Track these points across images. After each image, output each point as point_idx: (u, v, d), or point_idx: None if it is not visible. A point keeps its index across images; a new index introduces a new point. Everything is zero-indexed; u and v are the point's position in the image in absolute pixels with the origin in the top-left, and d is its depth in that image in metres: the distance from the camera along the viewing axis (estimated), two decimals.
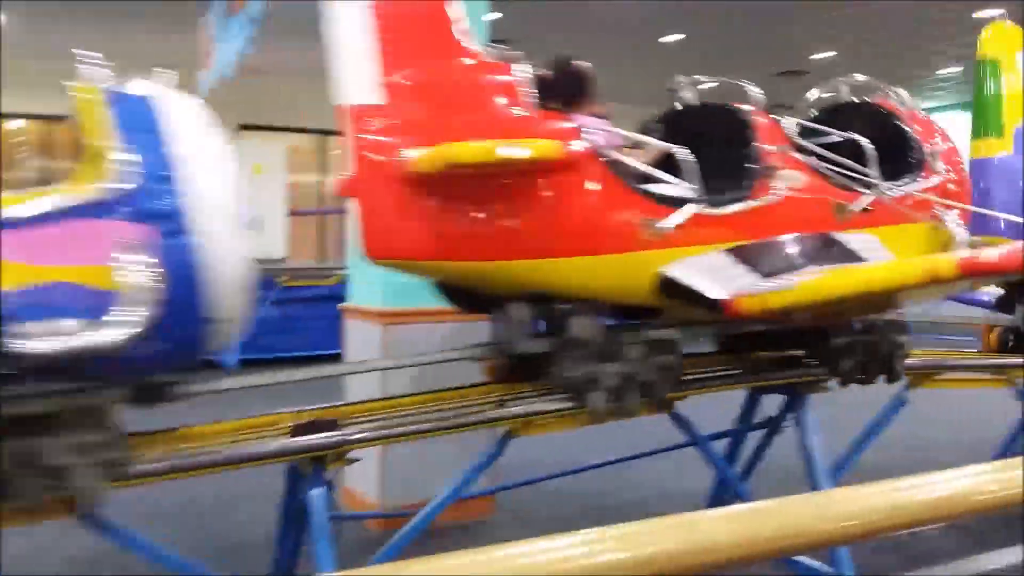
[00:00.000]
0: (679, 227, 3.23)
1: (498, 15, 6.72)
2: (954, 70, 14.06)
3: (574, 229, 3.13)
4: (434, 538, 3.28)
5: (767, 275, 3.30)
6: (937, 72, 14.25)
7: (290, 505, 3.29)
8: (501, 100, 3.11)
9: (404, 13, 3.08)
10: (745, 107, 3.74)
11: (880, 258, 3.57)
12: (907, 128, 4.06)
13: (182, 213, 2.47)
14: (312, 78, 15.02)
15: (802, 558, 3.72)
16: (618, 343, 3.28)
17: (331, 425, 3.10)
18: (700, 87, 3.97)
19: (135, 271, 2.36)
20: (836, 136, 3.88)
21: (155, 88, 2.66)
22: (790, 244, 3.47)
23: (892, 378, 3.88)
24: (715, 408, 4.25)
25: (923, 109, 14.95)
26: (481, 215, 3.08)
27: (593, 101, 3.63)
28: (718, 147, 3.47)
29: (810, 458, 3.77)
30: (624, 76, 14.07)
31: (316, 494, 2.96)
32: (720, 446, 4.31)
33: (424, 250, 3.06)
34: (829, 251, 3.52)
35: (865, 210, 3.68)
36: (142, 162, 2.48)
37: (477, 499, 4.51)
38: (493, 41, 5.16)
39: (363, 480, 4.73)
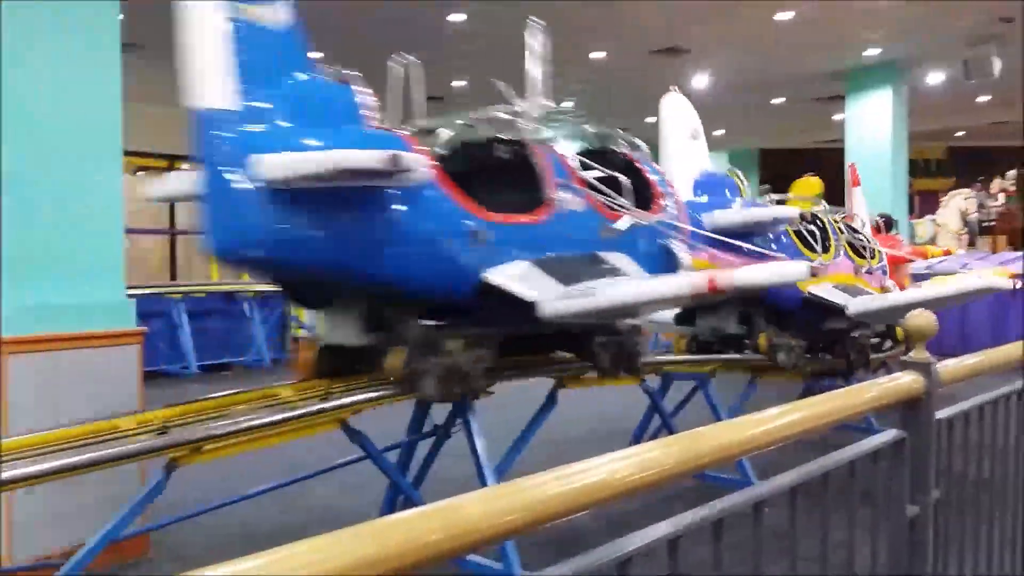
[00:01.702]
0: None
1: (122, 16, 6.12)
2: (568, 103, 15.64)
3: None
4: None
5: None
6: (560, 105, 15.75)
7: None
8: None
9: None
10: None
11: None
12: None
13: None
14: None
15: (473, 557, 3.88)
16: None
17: None
18: None
19: None
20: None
21: None
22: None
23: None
24: (384, 420, 4.29)
25: (546, 138, 16.44)
26: None
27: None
28: None
29: (478, 460, 3.94)
30: None
31: None
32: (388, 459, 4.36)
33: None
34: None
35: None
36: None
37: (128, 540, 4.10)
38: (124, 45, 4.79)
39: None
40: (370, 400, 3.70)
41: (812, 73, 13.61)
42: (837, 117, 15.86)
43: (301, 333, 13.33)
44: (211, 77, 3.22)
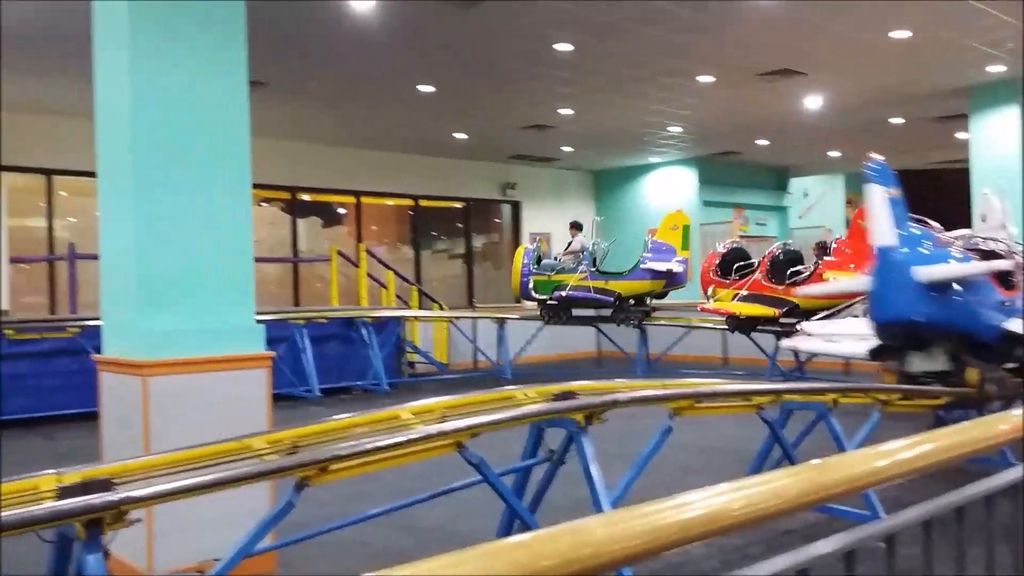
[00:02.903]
0: None
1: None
2: (676, 129, 15.54)
3: None
4: None
5: None
6: (667, 130, 15.69)
7: None
8: None
9: None
10: None
11: None
12: None
13: None
14: (36, 113, 13.78)
15: None
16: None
17: (105, 485, 2.84)
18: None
19: None
20: None
21: None
22: None
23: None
24: (500, 445, 4.35)
25: (653, 163, 17.01)
26: None
27: None
28: None
29: (592, 486, 3.96)
30: (387, 122, 14.24)
31: (93, 560, 2.69)
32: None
33: None
34: None
35: None
36: None
37: (256, 556, 4.28)
38: (251, 83, 5.07)
39: (126, 546, 4.34)
40: (487, 424, 3.76)
41: (931, 92, 13.12)
42: (960, 136, 15.22)
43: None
44: (883, 227, 5.74)
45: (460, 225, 19.03)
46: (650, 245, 12.82)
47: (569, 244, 13.84)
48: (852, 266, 10.38)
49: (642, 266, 12.74)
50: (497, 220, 19.91)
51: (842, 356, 8.23)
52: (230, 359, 4.60)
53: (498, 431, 3.88)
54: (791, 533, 4.87)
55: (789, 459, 5.17)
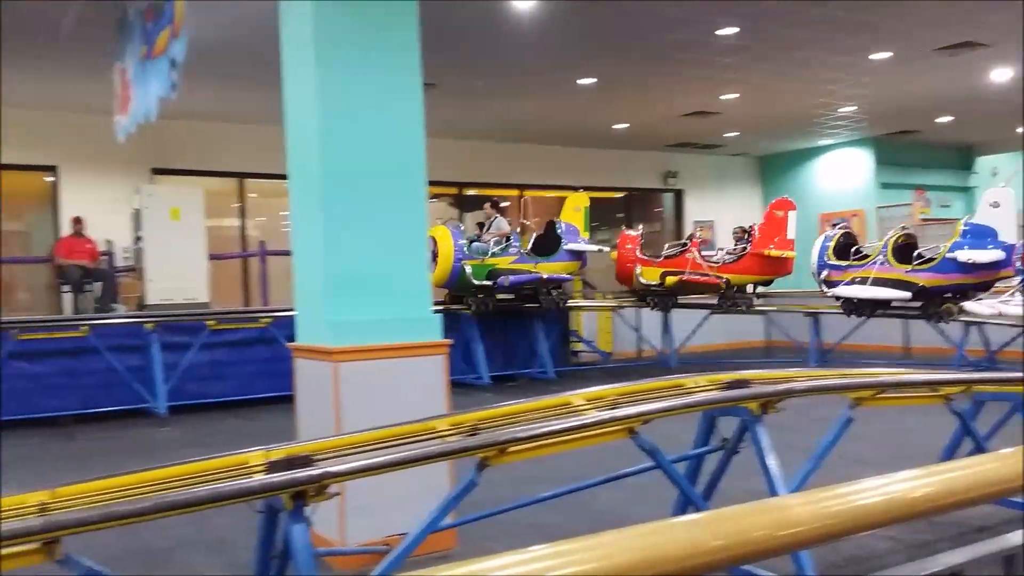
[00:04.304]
0: None
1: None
2: (849, 109, 14.85)
3: None
4: (405, 572, 3.27)
5: None
6: (839, 111, 15.04)
7: (266, 546, 3.24)
8: None
9: None
10: None
11: None
12: None
13: None
14: (229, 121, 14.81)
15: (755, 568, 3.81)
16: None
17: (307, 460, 3.09)
18: None
19: None
20: None
21: None
22: None
23: None
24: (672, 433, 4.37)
25: (824, 146, 16.99)
26: None
27: None
28: None
29: (769, 476, 3.91)
30: (548, 116, 14.42)
31: (298, 530, 2.94)
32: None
33: None
34: None
35: None
36: None
37: (438, 533, 4.50)
38: (425, 84, 5.29)
39: (322, 520, 4.67)
40: (659, 411, 3.79)
41: None
42: None
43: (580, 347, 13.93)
44: None
45: (621, 215, 18.97)
46: (563, 228, 12.70)
47: (488, 225, 12.97)
48: (774, 243, 12.64)
49: (565, 247, 12.58)
50: (658, 209, 19.69)
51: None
52: (411, 346, 4.87)
53: (664, 420, 3.90)
54: (984, 530, 4.63)
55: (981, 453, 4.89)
